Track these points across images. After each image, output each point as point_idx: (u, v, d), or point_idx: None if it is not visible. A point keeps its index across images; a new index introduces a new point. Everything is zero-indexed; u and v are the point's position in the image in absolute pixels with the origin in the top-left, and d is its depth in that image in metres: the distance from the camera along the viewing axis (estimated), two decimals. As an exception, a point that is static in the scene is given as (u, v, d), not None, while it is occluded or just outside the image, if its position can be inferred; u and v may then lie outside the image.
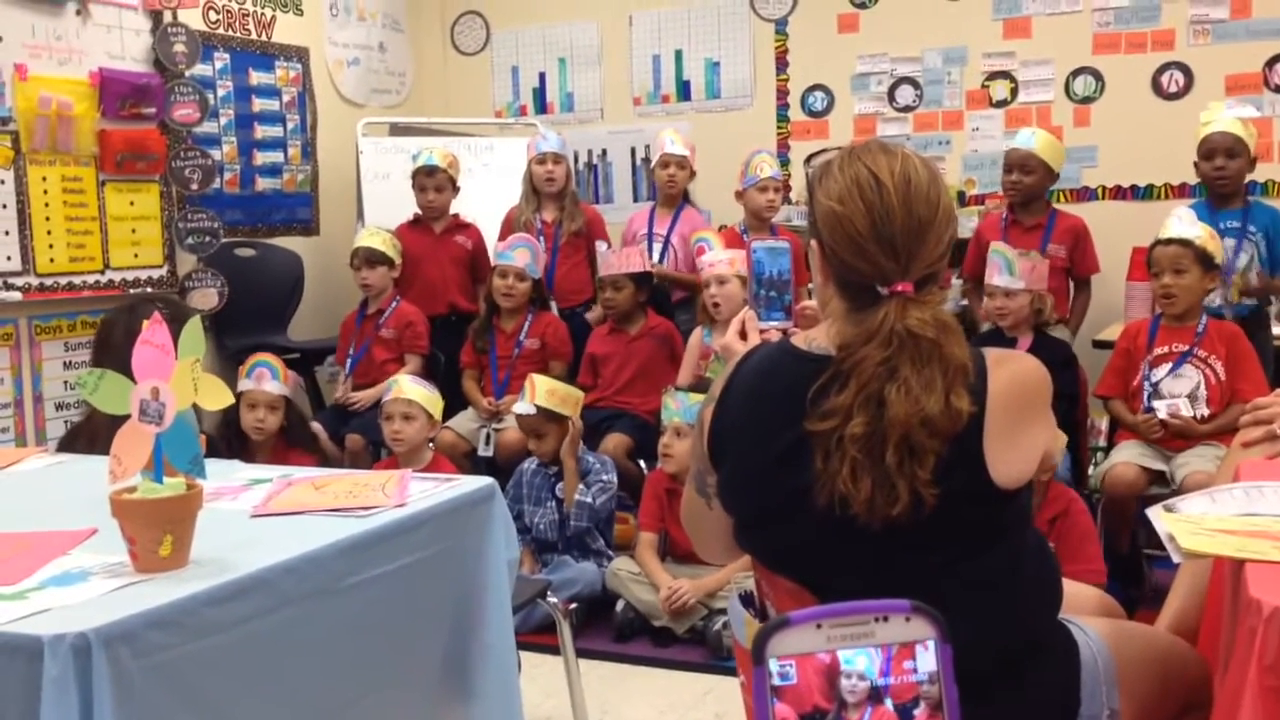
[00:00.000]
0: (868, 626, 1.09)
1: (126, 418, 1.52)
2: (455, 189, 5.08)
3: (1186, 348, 3.70)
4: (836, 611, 1.09)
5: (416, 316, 4.80)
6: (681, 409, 3.69)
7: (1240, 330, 3.75)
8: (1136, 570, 3.73)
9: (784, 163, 5.84)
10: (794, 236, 3.91)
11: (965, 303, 4.76)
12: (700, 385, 3.84)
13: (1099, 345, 4.32)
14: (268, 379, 3.96)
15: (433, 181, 5.01)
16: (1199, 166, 4.16)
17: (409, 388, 3.92)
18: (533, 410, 3.90)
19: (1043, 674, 1.57)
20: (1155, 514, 1.57)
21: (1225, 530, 1.48)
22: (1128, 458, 3.65)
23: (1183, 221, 3.71)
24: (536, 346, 4.67)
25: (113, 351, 2.73)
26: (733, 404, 1.62)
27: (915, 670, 1.09)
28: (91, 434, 2.69)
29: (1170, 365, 3.71)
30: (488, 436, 4.53)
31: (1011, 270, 3.98)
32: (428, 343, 4.79)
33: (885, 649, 1.09)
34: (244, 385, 3.99)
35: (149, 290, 4.75)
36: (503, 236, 4.91)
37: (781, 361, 1.60)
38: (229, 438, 3.97)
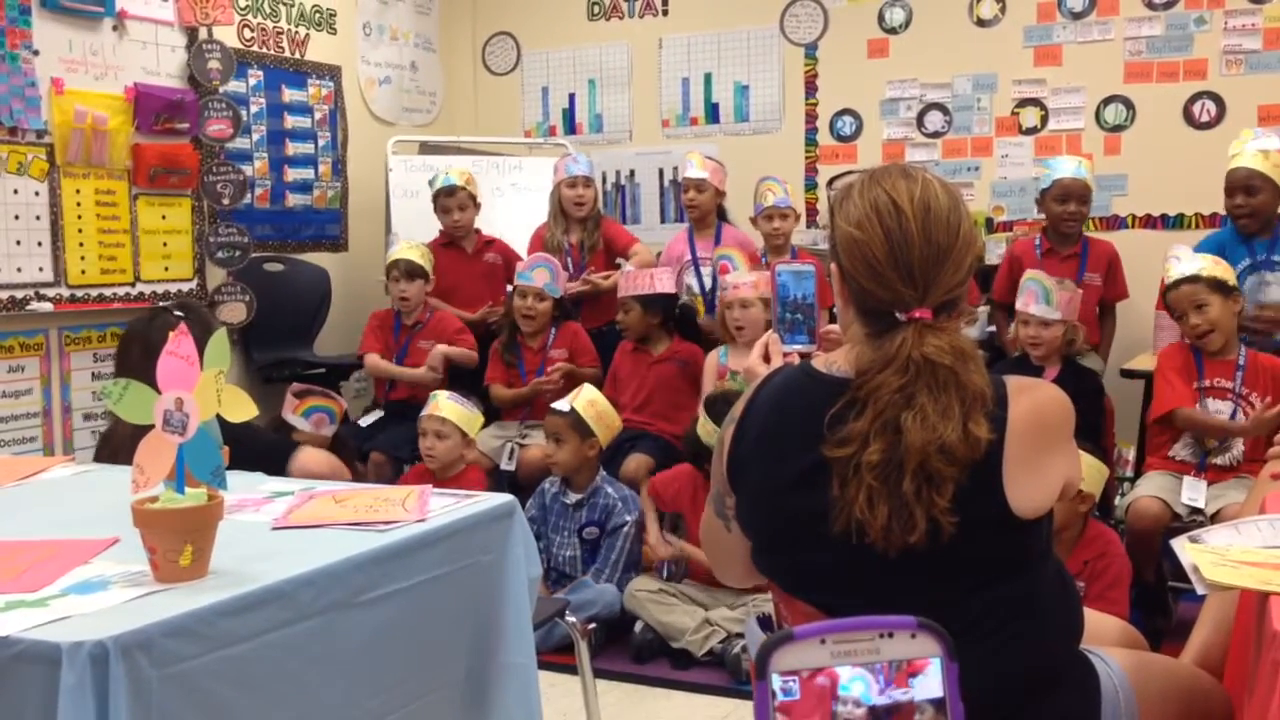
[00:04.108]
0: (872, 643, 1.08)
1: (150, 428, 1.53)
2: (476, 205, 5.11)
3: (1230, 384, 3.64)
4: (841, 627, 1.08)
5: (456, 320, 4.84)
6: None
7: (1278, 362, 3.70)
8: (1162, 602, 3.69)
9: (811, 187, 5.85)
10: (817, 260, 3.89)
11: (992, 328, 4.73)
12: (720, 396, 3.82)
13: (1128, 375, 4.28)
14: (326, 424, 4.01)
15: (455, 201, 5.03)
16: (1225, 200, 4.16)
17: (444, 405, 3.95)
18: (566, 409, 3.91)
19: (1062, 704, 1.55)
20: (1180, 545, 1.56)
21: (1250, 562, 1.46)
22: (1153, 490, 3.61)
23: (1182, 260, 3.68)
24: (565, 357, 4.68)
25: (134, 363, 2.75)
26: (752, 426, 1.61)
27: (918, 689, 1.08)
28: (116, 445, 2.70)
29: (1226, 405, 3.64)
30: (511, 451, 4.54)
31: (1049, 300, 3.93)
32: (473, 338, 4.84)
33: (886, 669, 1.07)
34: (297, 422, 4.01)
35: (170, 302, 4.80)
36: (531, 253, 4.93)
37: (801, 383, 1.60)
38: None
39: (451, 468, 3.98)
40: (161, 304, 4.52)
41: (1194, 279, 3.61)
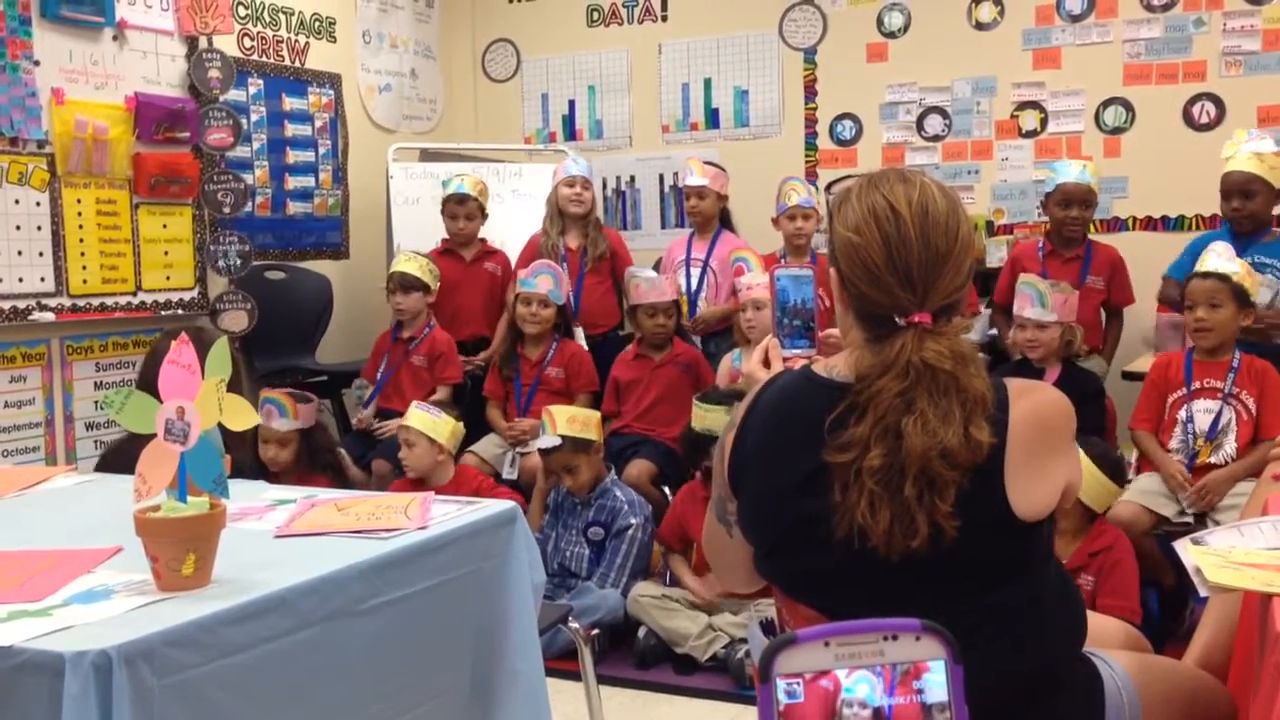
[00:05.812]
0: (876, 645, 1.07)
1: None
2: (484, 216, 5.11)
3: (1221, 384, 3.66)
4: (845, 629, 1.07)
5: (448, 345, 4.80)
6: None
7: (1271, 366, 3.71)
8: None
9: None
10: (821, 261, 3.91)
11: (993, 331, 4.73)
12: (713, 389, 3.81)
13: (1128, 377, 4.28)
14: (275, 416, 4.00)
15: (463, 209, 5.03)
16: (1221, 203, 4.16)
17: (411, 413, 3.97)
18: (558, 441, 3.89)
19: (1065, 707, 1.55)
20: (1182, 547, 1.56)
21: (1253, 564, 1.46)
22: (1134, 495, 3.61)
23: (1221, 256, 3.68)
24: (559, 375, 4.67)
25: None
26: (753, 431, 1.61)
27: (923, 692, 1.07)
28: (128, 458, 2.69)
29: (1215, 404, 3.64)
30: (512, 459, 4.54)
31: (1044, 303, 3.96)
32: (460, 370, 4.80)
33: (890, 671, 1.07)
34: (262, 419, 4.02)
35: (180, 311, 4.81)
36: (525, 262, 4.92)
37: (802, 388, 1.60)
38: (255, 465, 4.01)
39: (435, 474, 3.96)
40: (190, 325, 4.53)
41: (1223, 277, 3.62)
